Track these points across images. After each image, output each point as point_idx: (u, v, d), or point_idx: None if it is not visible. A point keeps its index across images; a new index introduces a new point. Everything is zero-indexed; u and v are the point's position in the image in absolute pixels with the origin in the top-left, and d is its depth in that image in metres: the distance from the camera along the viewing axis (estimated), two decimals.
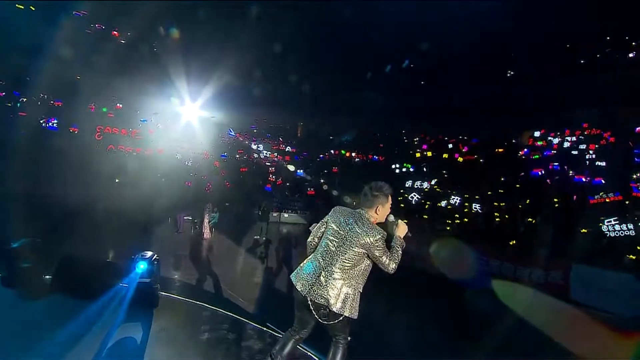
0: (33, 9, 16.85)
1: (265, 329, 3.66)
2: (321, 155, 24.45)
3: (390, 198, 2.62)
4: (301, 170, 20.90)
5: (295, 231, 13.22)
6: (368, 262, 2.49)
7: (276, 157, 22.62)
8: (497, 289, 6.92)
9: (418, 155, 21.43)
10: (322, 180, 17.43)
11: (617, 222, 8.32)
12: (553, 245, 7.76)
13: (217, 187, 15.46)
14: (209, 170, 17.01)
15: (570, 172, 13.53)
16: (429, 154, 20.36)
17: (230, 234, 10.77)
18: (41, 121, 15.63)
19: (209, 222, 10.80)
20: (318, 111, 25.09)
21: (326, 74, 24.72)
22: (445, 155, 19.74)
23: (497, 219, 10.38)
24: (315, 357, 3.26)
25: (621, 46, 17.89)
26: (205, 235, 10.43)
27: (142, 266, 3.63)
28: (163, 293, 4.13)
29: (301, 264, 2.62)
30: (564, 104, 16.67)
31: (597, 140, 15.78)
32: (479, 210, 9.23)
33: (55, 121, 14.26)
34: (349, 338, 2.53)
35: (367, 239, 2.40)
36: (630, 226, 8.13)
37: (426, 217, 9.72)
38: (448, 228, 8.87)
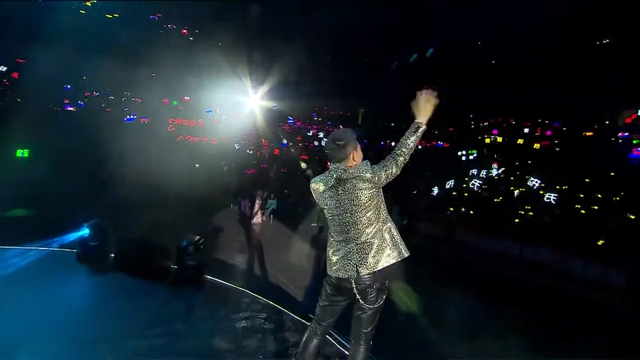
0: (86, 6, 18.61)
1: (304, 321, 3.58)
2: (382, 143, 23.80)
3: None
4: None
5: None
6: (378, 193, 2.15)
7: None
8: None
9: (488, 141, 19.69)
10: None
11: None
12: None
13: (276, 175, 15.85)
14: (269, 159, 17.53)
15: None
16: (500, 139, 18.56)
17: (286, 221, 10.96)
18: (125, 116, 17.37)
19: (263, 209, 11.09)
20: (380, 96, 24.36)
21: (388, 59, 23.81)
22: (520, 141, 17.82)
23: (582, 212, 9.01)
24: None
25: None
26: (255, 221, 10.70)
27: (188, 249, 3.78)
28: (208, 277, 4.29)
29: (327, 257, 2.34)
30: None
31: None
32: (553, 201, 8.08)
33: (134, 115, 15.80)
34: (373, 334, 2.24)
35: (365, 175, 2.08)
36: None
37: (493, 207, 8.82)
38: (517, 220, 7.94)
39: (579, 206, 8.45)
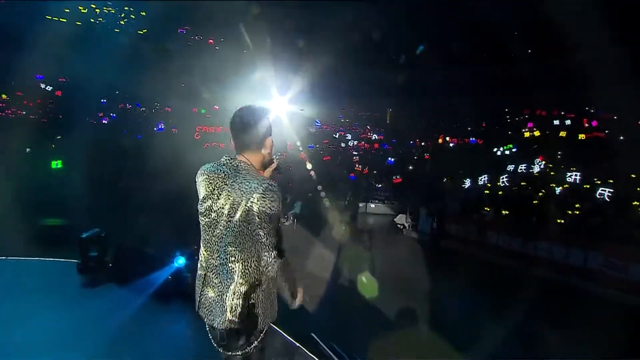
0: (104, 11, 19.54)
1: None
2: (411, 142, 23.05)
3: None
4: (392, 159, 19.89)
5: (381, 223, 12.51)
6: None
7: (363, 145, 22.05)
8: None
9: (527, 134, 18.39)
10: (410, 167, 16.20)
11: None
12: None
13: (302, 178, 15.65)
14: (295, 162, 17.41)
15: None
16: (537, 133, 17.24)
17: (310, 225, 10.67)
18: (155, 125, 18.00)
19: (286, 212, 10.88)
20: (408, 94, 23.66)
21: (414, 55, 23.05)
22: (562, 134, 16.47)
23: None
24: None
25: None
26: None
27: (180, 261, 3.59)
28: None
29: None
30: None
31: None
32: (607, 198, 7.09)
33: (162, 124, 16.30)
34: None
35: (258, 201, 1.52)
36: None
37: (535, 206, 7.97)
38: (560, 221, 7.06)
39: (637, 203, 7.41)
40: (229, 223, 1.59)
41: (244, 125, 1.68)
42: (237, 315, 1.61)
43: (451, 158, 18.34)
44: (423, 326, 4.10)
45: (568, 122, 16.52)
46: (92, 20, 20.39)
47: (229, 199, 1.58)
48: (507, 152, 16.45)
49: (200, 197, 1.67)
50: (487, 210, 8.37)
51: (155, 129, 16.03)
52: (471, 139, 21.52)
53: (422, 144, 22.14)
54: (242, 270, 1.61)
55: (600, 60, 14.26)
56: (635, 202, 8.24)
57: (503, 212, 8.05)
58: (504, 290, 5.73)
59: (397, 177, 16.75)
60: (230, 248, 1.60)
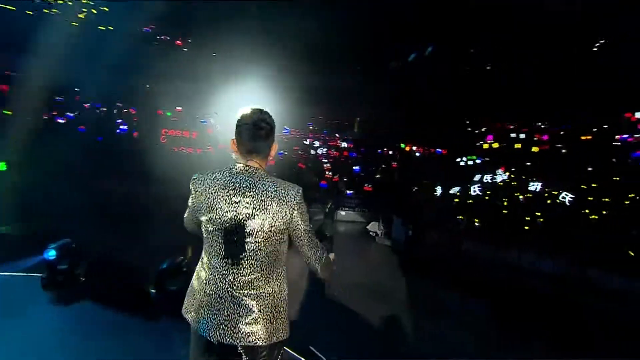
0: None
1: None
2: (379, 150, 23.63)
3: None
4: (358, 167, 20.34)
5: (351, 230, 12.64)
6: (284, 247, 1.62)
7: (332, 152, 22.29)
8: None
9: (486, 146, 19.47)
10: (377, 176, 16.58)
11: None
12: None
13: None
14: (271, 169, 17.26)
15: None
16: (495, 145, 18.37)
17: None
18: (117, 127, 17.06)
19: None
20: (375, 104, 24.24)
21: (382, 67, 23.71)
22: (517, 146, 17.63)
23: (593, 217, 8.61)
24: None
25: None
26: None
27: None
28: None
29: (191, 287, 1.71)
30: None
31: None
32: (568, 203, 7.67)
33: (125, 126, 15.45)
34: None
35: (298, 206, 1.56)
36: None
37: (504, 211, 8.46)
38: (526, 228, 7.54)
39: (588, 211, 8.09)
40: (257, 233, 1.53)
41: (271, 128, 1.66)
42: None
43: (419, 167, 19.06)
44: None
45: (522, 135, 17.72)
46: (45, 10, 19.01)
47: (259, 209, 1.53)
48: (470, 163, 17.32)
49: (215, 208, 1.59)
50: (461, 218, 8.75)
51: (117, 130, 15.15)
52: (437, 149, 22.43)
53: (390, 152, 22.77)
54: (269, 279, 1.58)
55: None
56: (586, 210, 8.98)
57: (476, 220, 8.46)
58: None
59: (368, 184, 17.07)
60: (254, 260, 1.56)
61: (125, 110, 18.46)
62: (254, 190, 1.59)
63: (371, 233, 11.14)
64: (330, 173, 18.94)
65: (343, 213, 15.06)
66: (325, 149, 22.42)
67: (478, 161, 17.67)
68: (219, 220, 1.61)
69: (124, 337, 2.90)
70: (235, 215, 1.58)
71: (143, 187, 9.66)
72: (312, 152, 21.08)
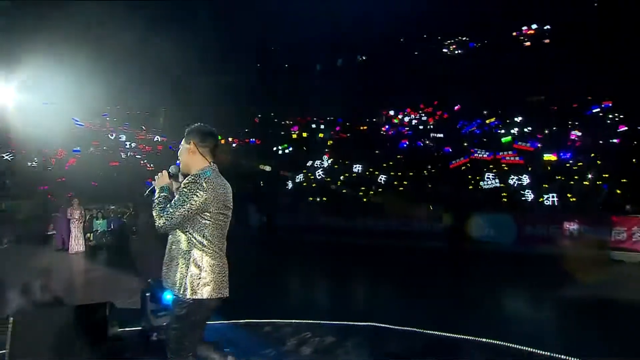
0: None
1: None
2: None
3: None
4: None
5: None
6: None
7: (144, 147, 20.13)
8: None
9: (295, 136, 22.36)
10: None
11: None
12: None
13: (86, 190, 13.04)
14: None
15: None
16: (304, 134, 21.54)
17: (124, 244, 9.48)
18: None
19: (85, 233, 9.28)
20: (181, 95, 23.10)
21: (185, 54, 22.79)
22: (321, 135, 21.27)
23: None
24: None
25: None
26: (73, 251, 8.87)
27: None
28: None
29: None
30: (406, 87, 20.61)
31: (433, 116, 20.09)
32: (382, 181, 10.75)
33: None
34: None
35: None
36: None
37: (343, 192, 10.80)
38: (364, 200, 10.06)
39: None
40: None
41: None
42: None
43: (237, 157, 19.81)
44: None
45: (322, 126, 21.58)
46: None
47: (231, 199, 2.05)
48: (285, 151, 19.57)
49: (228, 204, 1.97)
50: (311, 199, 10.50)
51: None
52: (250, 139, 23.74)
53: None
54: None
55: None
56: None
57: (323, 199, 10.41)
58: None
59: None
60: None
61: None
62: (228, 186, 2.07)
63: None
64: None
65: None
66: (134, 143, 19.94)
67: (290, 149, 20.20)
68: (227, 213, 2.01)
69: None
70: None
71: None
72: (122, 148, 18.45)
